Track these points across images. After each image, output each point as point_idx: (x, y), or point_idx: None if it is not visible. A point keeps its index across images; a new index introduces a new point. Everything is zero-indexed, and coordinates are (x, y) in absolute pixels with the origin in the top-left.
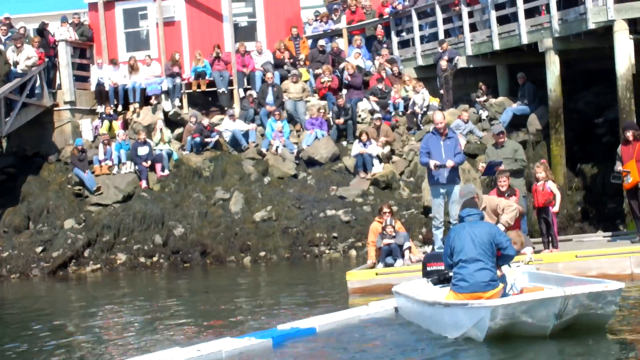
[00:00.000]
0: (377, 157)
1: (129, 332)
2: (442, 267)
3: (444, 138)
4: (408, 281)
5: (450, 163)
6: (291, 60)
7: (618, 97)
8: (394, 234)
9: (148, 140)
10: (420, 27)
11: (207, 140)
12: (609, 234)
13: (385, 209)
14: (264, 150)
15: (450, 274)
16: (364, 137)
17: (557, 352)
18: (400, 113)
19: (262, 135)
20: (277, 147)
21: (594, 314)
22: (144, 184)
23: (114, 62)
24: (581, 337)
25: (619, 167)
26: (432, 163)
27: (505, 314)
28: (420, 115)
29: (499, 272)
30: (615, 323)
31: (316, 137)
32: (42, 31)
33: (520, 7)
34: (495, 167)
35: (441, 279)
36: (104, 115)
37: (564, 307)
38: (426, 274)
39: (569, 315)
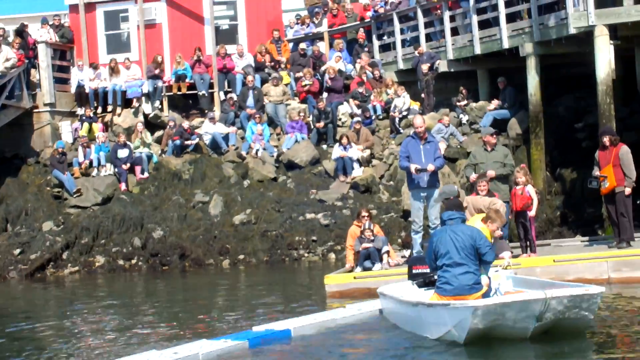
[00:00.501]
0: (357, 160)
1: (106, 334)
2: (427, 270)
3: (423, 142)
4: (394, 283)
5: (431, 167)
6: (272, 64)
7: (598, 102)
8: (372, 238)
9: (128, 142)
10: (402, 31)
11: (187, 143)
12: (587, 238)
13: (364, 213)
14: (244, 153)
15: (435, 277)
16: (344, 141)
17: (534, 355)
18: (380, 117)
19: (242, 138)
20: (257, 150)
21: (574, 317)
22: (123, 186)
23: (94, 66)
24: (560, 340)
25: (596, 172)
26: (412, 167)
27: (486, 315)
28: (398, 119)
29: (484, 280)
30: (594, 327)
31: (296, 141)
32: (21, 32)
33: (502, 12)
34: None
35: (426, 282)
36: (84, 118)
37: (545, 309)
38: (412, 276)
39: (549, 317)
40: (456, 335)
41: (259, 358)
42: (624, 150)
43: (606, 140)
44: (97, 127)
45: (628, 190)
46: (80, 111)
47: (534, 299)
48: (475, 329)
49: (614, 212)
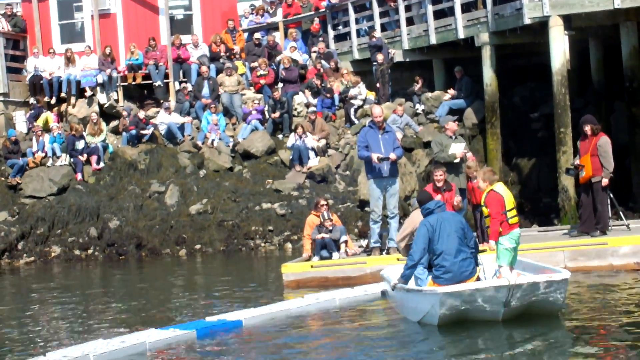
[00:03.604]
0: (313, 150)
1: (58, 324)
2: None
3: (382, 132)
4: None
5: (393, 156)
6: (227, 54)
7: (553, 93)
8: (331, 228)
9: (83, 133)
10: (357, 21)
11: (142, 133)
12: (544, 228)
13: (322, 202)
14: (199, 143)
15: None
16: (299, 131)
17: (505, 337)
18: (337, 106)
19: (198, 128)
20: (213, 140)
21: (543, 302)
22: (79, 176)
23: (51, 52)
24: (533, 325)
25: (576, 161)
26: (374, 156)
27: (453, 301)
28: (354, 109)
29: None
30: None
31: (254, 129)
32: None
33: (457, 2)
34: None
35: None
36: (36, 107)
37: (510, 295)
38: None
39: (517, 303)
40: (431, 319)
41: (205, 348)
42: (603, 141)
43: (587, 129)
44: (51, 117)
45: (605, 181)
46: (33, 100)
47: (498, 286)
48: (445, 313)
49: (589, 201)
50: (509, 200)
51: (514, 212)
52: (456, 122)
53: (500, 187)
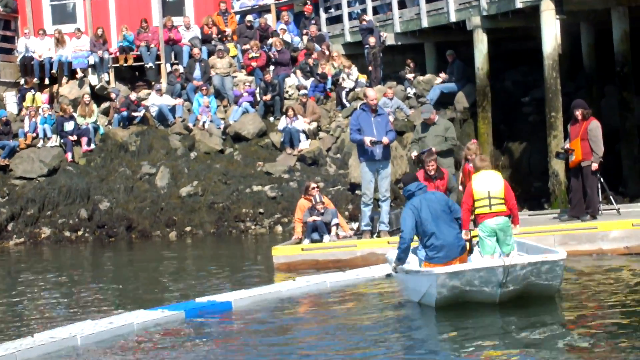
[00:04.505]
0: (304, 133)
1: (47, 305)
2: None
3: (374, 115)
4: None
5: (385, 140)
6: (219, 36)
7: (544, 77)
8: (322, 211)
9: (74, 114)
10: (349, 4)
11: (133, 114)
12: (535, 212)
13: (313, 185)
14: (190, 125)
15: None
16: (290, 113)
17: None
18: (329, 89)
19: (189, 110)
20: (204, 122)
21: (540, 283)
22: (69, 157)
23: (42, 33)
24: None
25: (566, 145)
26: (367, 140)
27: (449, 281)
28: (345, 93)
29: (464, 236)
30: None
31: (245, 111)
32: None
33: None
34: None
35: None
36: (26, 88)
37: (506, 276)
38: None
39: (514, 284)
40: (429, 300)
41: (193, 329)
42: (593, 125)
43: (578, 113)
44: (41, 98)
45: (595, 166)
46: (24, 81)
47: (493, 266)
48: (442, 294)
49: (579, 185)
50: (482, 190)
51: (485, 202)
52: (433, 113)
53: (480, 176)
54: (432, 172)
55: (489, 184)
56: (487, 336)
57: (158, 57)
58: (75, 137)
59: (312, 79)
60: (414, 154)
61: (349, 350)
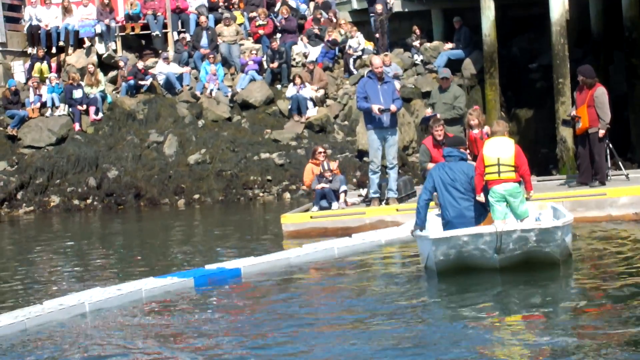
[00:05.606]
0: (312, 100)
1: (56, 273)
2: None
3: (381, 83)
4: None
5: (393, 108)
6: (225, 4)
7: (552, 43)
8: (331, 179)
9: (81, 83)
10: None
11: (141, 83)
12: (542, 178)
13: (320, 150)
14: (198, 93)
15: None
16: (297, 81)
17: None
18: (336, 56)
19: (197, 78)
20: (212, 90)
21: (542, 250)
22: (77, 126)
23: (48, 1)
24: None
25: (573, 112)
26: (375, 107)
27: (443, 246)
28: (353, 60)
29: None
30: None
31: (252, 79)
32: None
33: None
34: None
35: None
36: (35, 57)
37: (501, 243)
38: None
39: (512, 250)
40: (431, 264)
41: (203, 296)
42: (600, 92)
43: (579, 79)
44: (46, 67)
45: (602, 132)
46: (31, 50)
47: (484, 232)
48: (440, 259)
49: (585, 153)
50: (492, 156)
51: (495, 168)
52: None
53: (492, 142)
54: (440, 138)
55: (499, 150)
56: (490, 301)
57: (165, 26)
58: (83, 107)
59: (321, 45)
60: (429, 110)
61: (355, 313)
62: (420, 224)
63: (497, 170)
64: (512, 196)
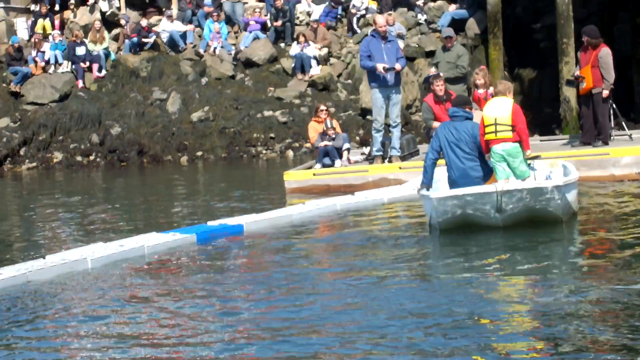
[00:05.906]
0: (315, 58)
1: (59, 228)
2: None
3: (385, 41)
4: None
5: (398, 66)
6: None
7: (556, 3)
8: (334, 136)
9: (85, 40)
10: None
11: (144, 40)
12: (546, 138)
13: (322, 107)
14: (201, 51)
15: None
16: (301, 39)
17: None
18: (340, 15)
19: (200, 36)
20: (215, 48)
21: (543, 208)
22: (80, 83)
23: None
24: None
25: (576, 72)
26: (380, 66)
27: (445, 205)
28: (356, 19)
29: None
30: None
31: (256, 37)
32: None
33: None
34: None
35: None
36: (38, 14)
37: (500, 202)
38: None
39: (511, 209)
40: (434, 223)
41: (205, 252)
42: (604, 52)
43: (584, 39)
44: (49, 24)
45: (605, 93)
46: (35, 7)
47: (485, 192)
48: (441, 217)
49: (589, 113)
50: (490, 116)
51: (492, 128)
52: (448, 38)
53: (491, 103)
54: (441, 93)
55: (496, 110)
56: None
57: None
58: (87, 64)
59: (325, 3)
60: (433, 69)
61: (357, 272)
62: (427, 182)
63: (494, 130)
64: (511, 156)
